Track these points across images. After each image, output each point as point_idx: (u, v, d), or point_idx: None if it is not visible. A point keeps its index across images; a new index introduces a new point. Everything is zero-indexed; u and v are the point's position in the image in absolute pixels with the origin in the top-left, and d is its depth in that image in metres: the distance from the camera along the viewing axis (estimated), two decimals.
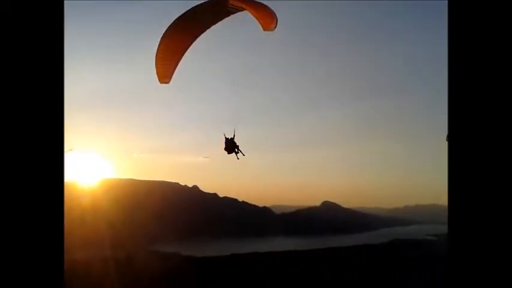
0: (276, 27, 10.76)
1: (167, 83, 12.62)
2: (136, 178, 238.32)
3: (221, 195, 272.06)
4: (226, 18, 11.33)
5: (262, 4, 10.73)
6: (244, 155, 14.02)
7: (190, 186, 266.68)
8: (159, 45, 11.85)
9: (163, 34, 11.76)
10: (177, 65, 12.42)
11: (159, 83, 12.52)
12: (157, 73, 12.34)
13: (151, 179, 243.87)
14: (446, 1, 6.71)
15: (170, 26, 11.56)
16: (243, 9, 10.85)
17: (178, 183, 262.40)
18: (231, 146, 13.83)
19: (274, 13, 10.58)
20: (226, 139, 13.81)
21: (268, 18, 10.74)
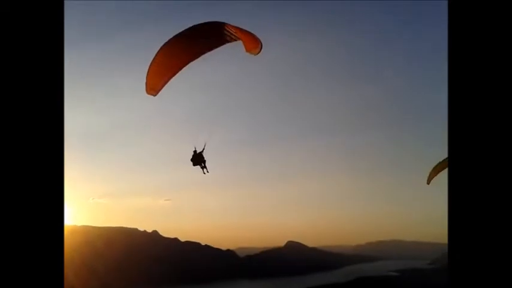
0: (259, 52, 11.63)
1: (154, 95, 12.83)
2: (93, 225, 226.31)
3: (182, 239, 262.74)
4: (220, 47, 11.97)
5: (251, 33, 11.59)
6: (207, 172, 14.26)
7: (150, 231, 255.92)
8: (155, 56, 12.07)
9: (162, 46, 11.98)
10: (167, 81, 12.66)
11: (145, 93, 12.74)
12: (146, 83, 12.53)
13: (108, 226, 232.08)
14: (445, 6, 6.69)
15: (170, 40, 11.84)
16: (237, 38, 11.51)
17: (137, 228, 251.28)
18: (197, 159, 14.12)
19: (260, 41, 11.53)
20: (195, 152, 14.08)
21: (254, 43, 11.55)
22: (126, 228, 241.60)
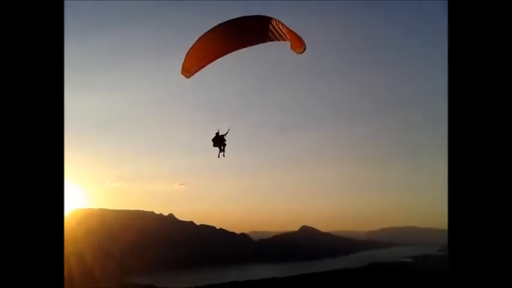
0: (303, 52, 11.84)
1: (187, 77, 13.29)
2: (110, 208, 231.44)
3: (198, 223, 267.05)
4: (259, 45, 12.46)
5: (297, 34, 11.81)
6: (224, 156, 14.69)
7: (166, 214, 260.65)
8: (197, 41, 12.40)
9: (206, 32, 12.27)
10: (203, 67, 13.07)
11: (180, 73, 13.16)
12: (183, 65, 12.93)
13: (125, 209, 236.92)
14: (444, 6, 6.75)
15: (215, 28, 12.14)
16: (285, 37, 11.79)
17: (153, 212, 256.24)
18: (219, 141, 14.57)
19: (304, 42, 11.73)
20: (217, 134, 14.56)
21: (299, 43, 11.80)
22: (143, 211, 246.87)
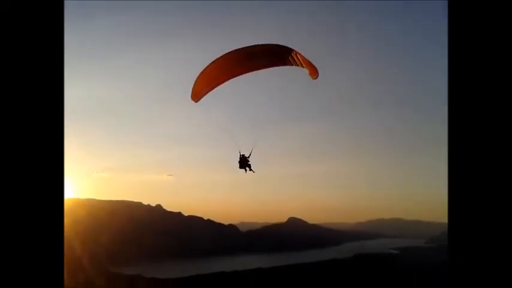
0: (317, 77, 12.75)
1: (195, 101, 14.01)
2: (97, 198, 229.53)
3: (186, 213, 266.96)
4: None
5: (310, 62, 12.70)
6: (253, 171, 15.82)
7: (154, 205, 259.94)
8: (206, 67, 12.92)
9: (215, 60, 12.82)
10: (210, 91, 13.69)
11: (190, 99, 13.90)
12: (192, 89, 13.55)
13: (112, 199, 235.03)
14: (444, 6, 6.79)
15: (224, 56, 12.67)
16: (301, 65, 12.48)
17: (141, 202, 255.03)
18: (243, 162, 15.56)
19: (317, 70, 12.65)
20: (243, 156, 15.56)
21: (314, 70, 12.66)
22: (130, 201, 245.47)
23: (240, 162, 15.52)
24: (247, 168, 15.68)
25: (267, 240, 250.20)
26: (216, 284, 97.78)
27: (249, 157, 15.54)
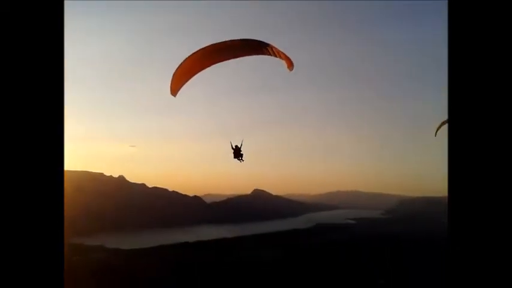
0: (292, 69, 13.58)
1: (174, 96, 14.68)
2: None
3: (150, 185, 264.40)
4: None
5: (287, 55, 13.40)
6: (243, 160, 17.51)
7: (116, 176, 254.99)
8: (182, 63, 13.47)
9: (190, 55, 13.35)
10: (183, 84, 14.31)
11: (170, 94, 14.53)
12: (171, 86, 14.18)
13: (71, 169, 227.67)
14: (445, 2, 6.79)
15: (198, 50, 13.15)
16: (278, 56, 13.11)
17: (102, 173, 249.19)
18: (237, 153, 17.26)
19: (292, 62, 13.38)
20: (236, 147, 17.26)
21: (290, 62, 13.37)
22: (91, 172, 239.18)
23: (234, 153, 17.29)
24: (240, 158, 17.35)
25: (232, 212, 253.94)
26: (179, 254, 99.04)
27: (241, 147, 17.21)
